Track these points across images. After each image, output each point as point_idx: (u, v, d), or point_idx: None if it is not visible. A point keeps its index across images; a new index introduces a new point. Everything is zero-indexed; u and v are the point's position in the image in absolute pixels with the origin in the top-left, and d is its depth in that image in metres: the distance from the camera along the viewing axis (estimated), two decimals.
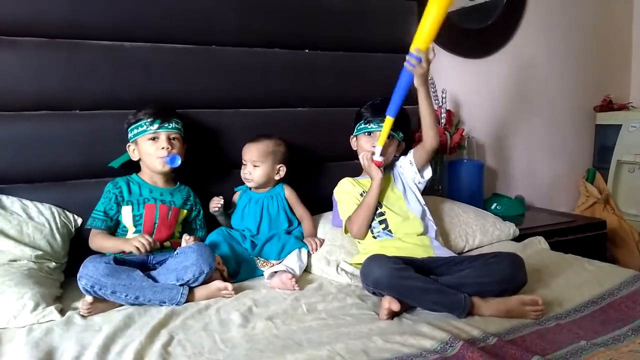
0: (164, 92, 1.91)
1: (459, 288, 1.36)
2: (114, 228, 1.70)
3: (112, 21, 1.82)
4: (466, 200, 2.28)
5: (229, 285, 1.50)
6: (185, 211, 1.77)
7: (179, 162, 1.68)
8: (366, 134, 1.83)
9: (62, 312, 1.39)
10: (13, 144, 1.71)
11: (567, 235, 2.32)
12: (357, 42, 2.29)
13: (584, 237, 2.37)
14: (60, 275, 1.62)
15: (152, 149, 1.69)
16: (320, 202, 2.03)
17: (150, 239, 1.56)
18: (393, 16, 2.36)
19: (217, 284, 1.50)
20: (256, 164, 1.85)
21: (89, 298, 1.38)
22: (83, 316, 1.37)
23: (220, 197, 1.86)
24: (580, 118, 3.20)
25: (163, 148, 1.68)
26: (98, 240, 1.65)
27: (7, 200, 1.65)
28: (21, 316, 1.32)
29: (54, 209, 1.71)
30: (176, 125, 1.74)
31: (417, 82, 1.65)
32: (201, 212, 1.85)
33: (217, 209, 1.83)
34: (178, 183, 1.82)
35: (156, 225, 1.69)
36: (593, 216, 2.84)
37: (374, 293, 1.47)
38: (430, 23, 1.54)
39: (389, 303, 1.32)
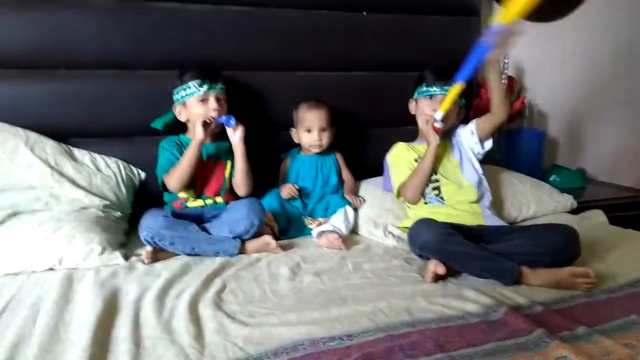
0: (222, 53, 1.95)
1: (508, 256, 1.35)
2: None
3: None
4: (524, 171, 2.20)
5: (273, 242, 1.55)
6: (229, 162, 1.82)
7: (233, 122, 1.72)
8: (428, 97, 1.80)
9: (126, 257, 1.50)
10: (84, 100, 1.82)
11: (629, 210, 2.21)
12: (416, 5, 2.23)
13: None
14: (125, 224, 1.74)
15: (202, 110, 1.73)
16: (366, 168, 2.05)
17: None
18: None
19: (266, 238, 1.56)
20: (325, 129, 1.89)
21: (149, 248, 1.49)
22: (144, 263, 1.47)
23: (294, 185, 1.86)
24: None
25: (214, 109, 1.72)
26: (173, 171, 1.67)
27: (78, 152, 1.78)
28: (90, 258, 1.44)
29: (120, 162, 1.82)
30: (222, 86, 1.78)
31: (493, 56, 1.58)
32: None
33: (291, 197, 1.84)
34: (222, 139, 1.84)
35: (205, 178, 1.76)
36: None
37: (420, 256, 1.48)
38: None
39: (435, 266, 1.33)
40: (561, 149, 2.83)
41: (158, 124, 1.82)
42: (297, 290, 1.30)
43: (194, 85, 1.73)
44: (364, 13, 2.16)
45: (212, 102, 1.73)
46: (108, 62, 1.84)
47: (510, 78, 2.45)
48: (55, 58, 1.79)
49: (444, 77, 1.75)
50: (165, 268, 1.42)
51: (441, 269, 1.33)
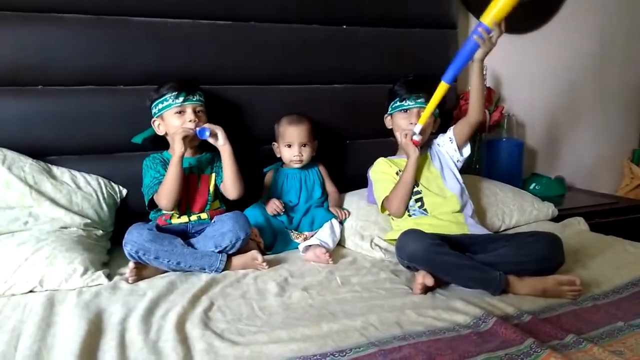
0: (203, 68, 1.94)
1: (495, 266, 1.36)
2: None
3: None
4: (504, 180, 2.24)
5: (260, 257, 1.53)
6: (213, 175, 1.79)
7: (207, 133, 1.68)
8: (402, 111, 1.81)
9: (109, 277, 1.47)
10: (63, 117, 1.78)
11: (609, 217, 2.26)
12: (395, 18, 2.25)
13: (627, 220, 2.31)
14: (107, 243, 1.70)
15: (179, 122, 1.70)
16: (349, 180, 2.06)
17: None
18: None
19: (254, 253, 1.54)
20: (305, 144, 1.89)
21: (132, 264, 1.46)
22: (129, 282, 1.44)
23: (278, 200, 1.85)
24: (627, 97, 3.07)
25: (190, 121, 1.69)
26: (160, 190, 1.62)
27: (58, 170, 1.74)
28: (72, 279, 1.40)
29: (100, 179, 1.79)
30: (200, 98, 1.75)
31: (478, 55, 1.61)
32: None
33: (277, 213, 1.83)
34: (204, 152, 1.83)
35: (188, 195, 1.73)
36: (638, 198, 2.74)
37: (408, 267, 1.48)
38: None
39: (423, 278, 1.34)
40: (539, 157, 2.88)
41: (138, 139, 1.80)
42: (286, 306, 1.29)
43: (171, 98, 1.70)
44: (344, 27, 2.18)
45: (189, 114, 1.70)
46: (87, 78, 1.81)
47: (488, 89, 2.49)
48: (33, 75, 1.75)
49: (416, 90, 1.78)
50: (150, 287, 1.40)
51: (429, 280, 1.33)
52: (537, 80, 2.79)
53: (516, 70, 2.72)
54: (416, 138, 1.72)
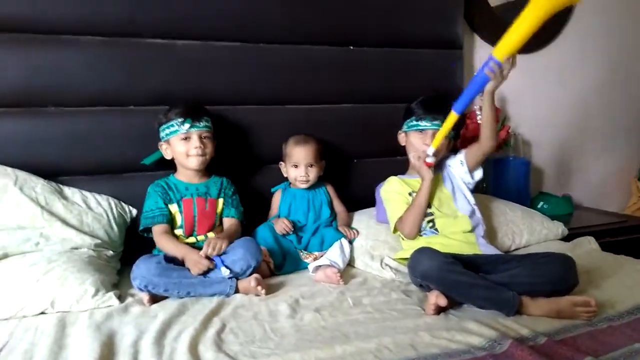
0: (213, 88, 1.96)
1: (508, 286, 1.35)
2: (173, 220, 1.73)
3: (165, 20, 1.88)
4: (512, 199, 2.24)
5: (260, 289, 1.49)
6: (221, 200, 1.80)
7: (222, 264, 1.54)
8: (418, 131, 1.82)
9: (120, 298, 1.46)
10: (74, 138, 1.79)
11: (618, 236, 2.25)
12: (402, 39, 2.28)
13: (636, 239, 2.29)
14: (117, 264, 1.70)
15: (185, 148, 1.72)
16: (356, 200, 2.06)
17: (207, 263, 1.53)
18: (440, 11, 2.34)
19: (252, 281, 1.49)
20: (312, 164, 1.89)
21: (145, 297, 1.45)
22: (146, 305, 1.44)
23: (287, 219, 1.85)
24: (635, 115, 3.08)
25: (196, 147, 1.71)
26: (164, 242, 1.64)
27: (69, 191, 1.74)
28: (83, 300, 1.40)
29: (111, 200, 1.79)
30: (206, 124, 1.75)
31: (489, 87, 1.63)
32: (236, 194, 1.85)
33: (286, 232, 1.83)
34: (213, 175, 1.84)
35: (196, 218, 1.73)
36: None
37: (420, 286, 1.48)
38: (524, 29, 1.46)
39: (436, 298, 1.33)
40: (546, 176, 2.88)
41: (147, 161, 1.82)
42: (298, 327, 1.28)
43: (177, 123, 1.71)
44: (351, 47, 2.20)
45: (194, 141, 1.72)
46: (97, 99, 1.83)
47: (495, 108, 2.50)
48: (44, 96, 1.77)
49: (433, 111, 1.78)
50: (162, 309, 1.39)
51: (442, 301, 1.32)
52: (543, 99, 2.81)
53: (522, 88, 2.73)
54: (429, 160, 1.72)
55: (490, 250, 1.65)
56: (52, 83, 1.77)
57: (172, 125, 1.72)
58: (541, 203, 2.59)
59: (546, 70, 2.79)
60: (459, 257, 1.49)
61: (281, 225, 1.83)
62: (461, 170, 1.81)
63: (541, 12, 1.43)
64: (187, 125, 1.71)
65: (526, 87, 2.74)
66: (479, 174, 1.81)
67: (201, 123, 1.74)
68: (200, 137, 1.73)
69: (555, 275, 1.38)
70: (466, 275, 1.36)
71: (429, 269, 1.37)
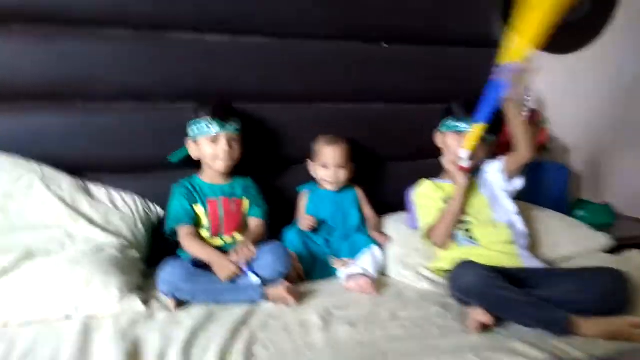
0: (241, 85, 1.90)
1: (556, 304, 1.26)
2: (199, 221, 1.68)
3: (194, 14, 1.82)
4: (549, 207, 2.12)
5: (291, 300, 1.42)
6: (247, 200, 1.75)
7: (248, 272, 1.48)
8: (456, 132, 1.73)
9: (145, 302, 1.41)
10: (101, 134, 1.74)
11: None
12: (437, 36, 2.19)
13: None
14: (143, 265, 1.64)
15: (212, 150, 1.67)
16: (385, 203, 1.98)
17: (236, 268, 1.46)
18: (476, 7, 2.24)
19: (282, 291, 1.43)
20: (341, 166, 1.82)
21: (171, 303, 1.39)
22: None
23: (310, 217, 1.80)
24: None
25: (224, 151, 1.66)
26: (190, 244, 1.58)
27: (95, 188, 1.70)
28: (108, 304, 1.35)
29: (137, 198, 1.74)
30: (235, 126, 1.70)
31: (511, 94, 1.54)
32: (260, 193, 1.79)
33: (310, 228, 1.78)
34: (236, 175, 1.78)
35: (222, 219, 1.68)
36: None
37: (459, 300, 1.39)
38: (532, 30, 1.38)
39: (479, 315, 1.25)
40: (584, 181, 2.75)
41: (174, 157, 1.77)
42: (332, 342, 1.21)
43: (205, 125, 1.66)
44: (385, 44, 2.11)
45: (222, 144, 1.67)
46: (125, 94, 1.78)
47: (533, 111, 2.40)
48: (72, 90, 1.72)
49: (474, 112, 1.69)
50: (188, 315, 1.33)
51: (487, 319, 1.24)
52: (581, 102, 2.67)
53: (559, 90, 2.62)
54: (464, 164, 1.63)
55: (534, 263, 1.56)
56: (80, 78, 1.72)
57: (201, 125, 1.67)
58: (579, 211, 2.47)
59: (584, 72, 2.65)
60: (500, 270, 1.40)
61: (305, 222, 1.77)
62: (499, 179, 1.71)
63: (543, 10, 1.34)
64: (216, 127, 1.65)
65: (564, 88, 2.62)
66: (519, 182, 1.71)
67: (230, 126, 1.68)
68: (229, 141, 1.67)
69: (608, 293, 1.30)
70: (511, 291, 1.27)
71: (471, 284, 1.29)
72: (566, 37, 2.63)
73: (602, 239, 1.90)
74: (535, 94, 2.44)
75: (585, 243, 1.86)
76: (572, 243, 1.84)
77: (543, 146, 2.40)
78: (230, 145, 1.68)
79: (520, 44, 1.43)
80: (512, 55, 1.46)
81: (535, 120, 2.41)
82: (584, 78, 2.66)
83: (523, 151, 1.63)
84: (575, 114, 2.66)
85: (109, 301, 1.35)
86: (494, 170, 1.73)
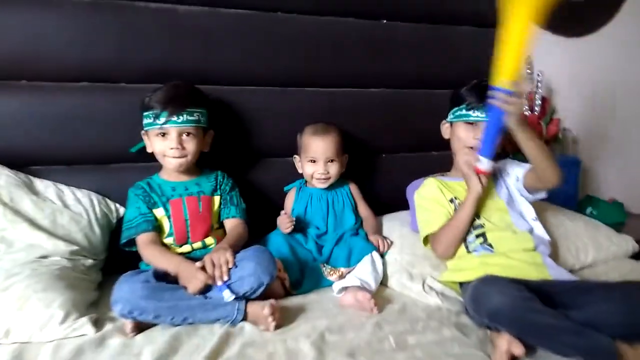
0: (220, 64, 1.67)
1: (597, 327, 1.04)
2: (161, 227, 1.44)
3: None
4: (557, 203, 1.91)
5: (271, 320, 1.17)
6: (217, 197, 1.51)
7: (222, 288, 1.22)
8: (467, 122, 1.49)
9: (96, 323, 1.16)
10: (51, 120, 1.50)
11: None
12: (441, 13, 1.96)
13: None
14: (97, 275, 1.40)
15: (161, 145, 1.43)
16: (382, 201, 1.78)
17: (205, 277, 1.21)
18: None
19: (265, 310, 1.18)
20: (332, 159, 1.59)
21: (128, 325, 1.14)
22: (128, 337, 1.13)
23: (286, 214, 1.56)
24: None
25: (172, 148, 1.41)
26: (151, 254, 1.35)
27: (41, 184, 1.45)
28: (48, 328, 1.11)
29: (93, 196, 1.50)
30: (189, 118, 1.43)
31: (512, 121, 1.28)
32: (235, 189, 1.56)
33: (290, 227, 1.53)
34: (205, 169, 1.55)
35: (188, 222, 1.43)
36: None
37: (480, 323, 1.16)
38: (517, 43, 1.23)
39: (510, 344, 1.02)
40: (591, 176, 2.55)
41: (135, 148, 1.53)
42: None
43: (152, 116, 1.41)
44: (384, 21, 1.88)
45: (171, 139, 1.41)
46: (81, 72, 1.54)
47: (543, 99, 2.18)
48: (16, 67, 1.48)
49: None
50: (149, 342, 1.09)
51: (519, 350, 1.01)
52: (590, 89, 2.46)
53: (569, 77, 2.40)
54: (482, 167, 1.39)
55: (561, 273, 1.33)
56: (26, 52, 1.48)
57: (149, 116, 1.42)
58: (589, 208, 2.27)
59: (594, 57, 2.45)
60: (525, 283, 1.17)
61: (283, 225, 1.53)
62: (517, 184, 1.49)
63: (524, 21, 1.21)
64: (162, 119, 1.40)
65: (574, 75, 2.41)
66: (541, 195, 1.48)
67: (181, 116, 1.41)
68: (180, 135, 1.42)
69: None
70: (548, 315, 1.04)
71: (500, 307, 1.06)
72: (576, 18, 2.43)
73: (628, 243, 1.69)
74: (544, 80, 2.21)
75: (610, 248, 1.65)
76: (596, 248, 1.63)
77: (554, 137, 2.18)
78: (181, 142, 1.42)
79: (508, 60, 1.24)
80: (501, 75, 1.25)
81: (545, 109, 2.19)
82: (595, 62, 2.45)
83: (549, 176, 1.37)
84: (583, 102, 2.45)
85: (50, 324, 1.11)
86: (512, 173, 1.50)
